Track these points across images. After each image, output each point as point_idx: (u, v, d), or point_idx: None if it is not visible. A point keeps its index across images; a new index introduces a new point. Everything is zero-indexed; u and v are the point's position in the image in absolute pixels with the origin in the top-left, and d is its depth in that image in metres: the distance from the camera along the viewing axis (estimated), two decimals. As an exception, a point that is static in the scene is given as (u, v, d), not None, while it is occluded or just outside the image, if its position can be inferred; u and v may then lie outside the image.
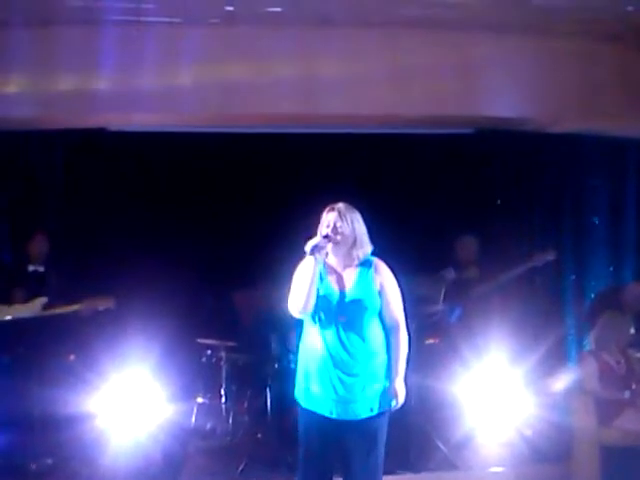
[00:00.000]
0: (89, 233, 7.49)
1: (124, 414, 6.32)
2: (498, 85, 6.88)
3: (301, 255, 4.34)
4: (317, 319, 4.28)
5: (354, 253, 4.32)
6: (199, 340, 7.16)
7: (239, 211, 7.70)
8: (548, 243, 7.65)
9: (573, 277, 7.99)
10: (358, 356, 4.24)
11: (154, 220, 7.59)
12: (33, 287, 6.70)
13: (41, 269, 6.92)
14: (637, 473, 5.77)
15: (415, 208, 7.89)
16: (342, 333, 4.24)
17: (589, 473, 6.07)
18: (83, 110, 6.54)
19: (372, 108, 6.75)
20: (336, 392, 4.24)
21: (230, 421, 6.87)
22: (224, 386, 6.94)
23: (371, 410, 4.28)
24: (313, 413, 4.31)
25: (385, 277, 4.39)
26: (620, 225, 7.95)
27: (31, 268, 6.90)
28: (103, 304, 6.66)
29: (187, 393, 7.03)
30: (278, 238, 7.04)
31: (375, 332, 4.32)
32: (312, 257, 4.20)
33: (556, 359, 7.26)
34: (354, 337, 4.24)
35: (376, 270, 4.38)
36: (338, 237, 4.28)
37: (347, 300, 4.28)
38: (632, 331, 6.66)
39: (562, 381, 6.57)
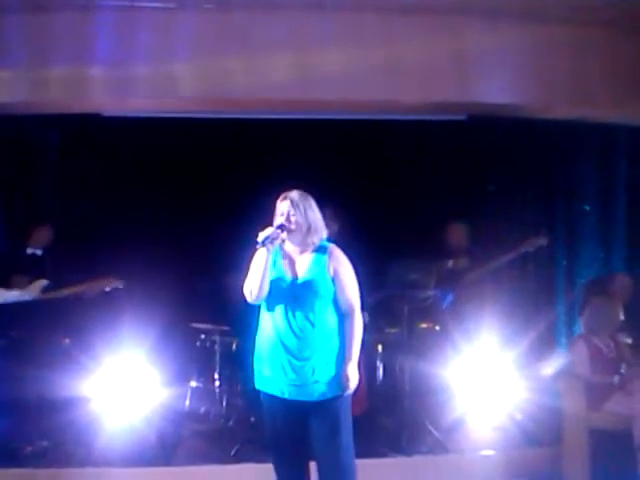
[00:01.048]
0: (82, 219, 7.49)
1: (119, 398, 6.35)
2: (491, 71, 6.87)
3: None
4: (270, 304, 4.34)
5: (309, 240, 4.38)
6: (193, 324, 7.18)
7: (234, 196, 7.71)
8: (540, 229, 7.68)
9: (564, 263, 8.04)
10: (308, 341, 4.28)
11: (147, 205, 7.60)
12: (31, 270, 6.72)
13: (39, 252, 6.94)
14: (626, 456, 5.84)
15: (408, 194, 7.92)
16: (292, 318, 4.29)
17: (579, 456, 6.11)
18: (78, 95, 6.53)
19: (366, 94, 6.74)
20: (286, 375, 4.30)
21: (224, 405, 6.90)
22: (218, 370, 6.97)
23: (322, 395, 4.31)
24: (268, 395, 4.37)
25: (339, 263, 4.42)
26: (611, 212, 7.99)
27: (29, 251, 6.92)
28: (110, 284, 6.68)
29: (181, 377, 7.06)
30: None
31: (327, 317, 4.35)
32: (264, 248, 4.25)
33: (547, 344, 7.33)
34: (304, 322, 4.29)
35: (330, 256, 4.41)
36: (292, 226, 4.34)
37: (298, 285, 4.34)
38: (622, 317, 6.74)
39: (552, 365, 6.64)
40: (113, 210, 7.52)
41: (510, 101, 7.00)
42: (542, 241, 7.36)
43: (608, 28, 6.87)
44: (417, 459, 6.29)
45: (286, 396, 4.32)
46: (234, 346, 7.07)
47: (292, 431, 4.37)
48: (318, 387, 4.30)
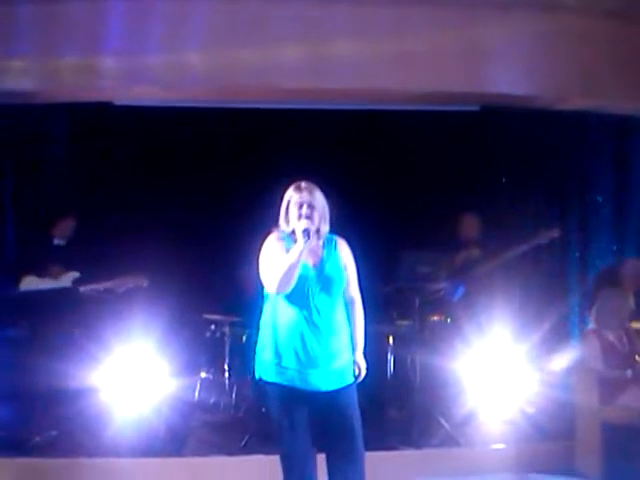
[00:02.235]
0: (94, 209, 7.49)
1: (128, 388, 6.34)
2: (504, 62, 6.83)
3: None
4: (292, 294, 4.31)
5: (322, 229, 4.39)
6: (203, 315, 7.18)
7: (246, 186, 7.70)
8: (552, 221, 7.66)
9: (577, 255, 8.01)
10: (329, 329, 4.31)
11: (158, 196, 7.58)
12: (59, 261, 6.77)
13: (62, 243, 6.98)
14: (638, 450, 5.81)
15: (420, 185, 7.89)
16: (316, 307, 4.29)
17: (591, 450, 6.10)
18: (89, 84, 6.52)
19: (377, 83, 6.71)
20: (309, 364, 4.28)
21: (233, 396, 6.91)
22: (227, 361, 6.99)
23: (339, 382, 4.34)
24: (281, 386, 4.34)
25: (347, 254, 4.50)
26: (624, 203, 7.96)
27: (55, 242, 6.96)
28: (135, 282, 6.71)
29: (191, 368, 7.08)
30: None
31: (340, 306, 4.42)
32: (304, 241, 4.23)
33: (559, 337, 7.30)
34: (325, 311, 4.31)
35: (342, 247, 4.48)
36: (315, 215, 4.33)
37: (320, 276, 4.35)
38: (632, 307, 6.70)
39: (564, 359, 6.61)
40: (124, 201, 7.50)
41: (523, 92, 6.95)
42: (555, 233, 7.33)
43: (621, 18, 6.82)
44: (428, 452, 6.28)
45: (304, 386, 4.31)
46: (244, 337, 7.07)
47: (306, 423, 4.35)
48: (337, 375, 4.33)
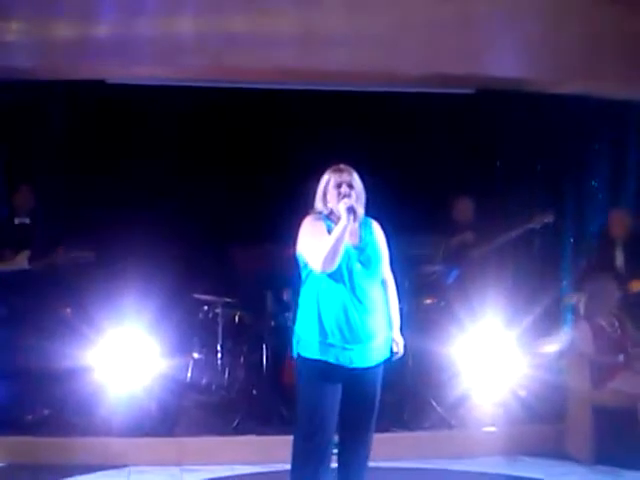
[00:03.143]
0: (86, 186, 7.46)
1: (121, 368, 6.33)
2: (500, 44, 6.82)
3: (303, 213, 4.42)
4: (335, 272, 4.33)
5: (359, 211, 4.41)
6: (196, 296, 7.18)
7: (238, 167, 7.68)
8: (547, 205, 7.65)
9: (571, 239, 8.01)
10: (372, 307, 4.36)
11: (151, 174, 7.55)
12: (20, 240, 6.73)
13: (27, 221, 6.95)
14: (629, 434, 5.84)
15: (415, 168, 7.86)
16: (358, 285, 4.33)
17: (582, 434, 6.13)
18: (82, 61, 6.47)
19: (372, 65, 6.69)
20: (354, 339, 4.30)
21: (226, 377, 6.91)
22: (220, 342, 6.98)
23: (377, 359, 4.38)
24: (327, 364, 4.32)
25: (381, 235, 4.55)
26: (619, 188, 7.95)
27: (17, 221, 6.93)
28: (81, 256, 6.70)
29: (183, 348, 7.08)
30: (278, 195, 7.05)
31: (379, 286, 4.46)
32: (348, 217, 4.22)
33: (551, 321, 7.32)
34: (367, 290, 4.35)
35: (376, 228, 4.55)
36: (354, 195, 4.37)
37: (360, 255, 4.39)
38: (621, 261, 6.94)
39: (557, 343, 6.63)
40: (116, 178, 7.47)
41: (519, 75, 6.93)
42: (549, 218, 7.33)
43: (621, 2, 6.79)
44: (420, 435, 6.31)
45: (346, 363, 4.31)
46: (237, 318, 7.07)
47: (337, 403, 4.35)
48: (375, 352, 4.37)
